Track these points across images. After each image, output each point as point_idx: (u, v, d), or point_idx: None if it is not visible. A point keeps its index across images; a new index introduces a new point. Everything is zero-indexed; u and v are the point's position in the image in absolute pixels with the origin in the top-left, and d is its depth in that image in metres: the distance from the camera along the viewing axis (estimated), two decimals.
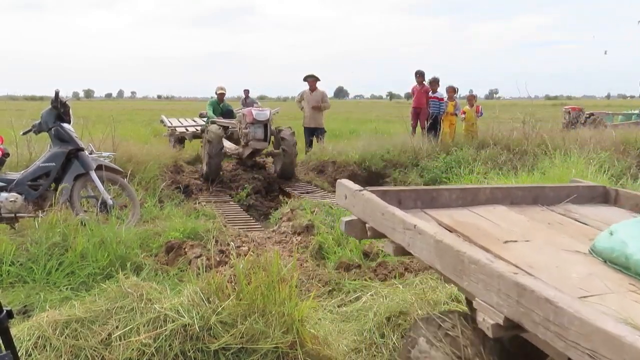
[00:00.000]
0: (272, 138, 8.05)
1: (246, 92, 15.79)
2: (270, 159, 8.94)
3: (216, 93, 9.87)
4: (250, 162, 8.46)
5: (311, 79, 9.92)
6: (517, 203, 2.36)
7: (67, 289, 3.48)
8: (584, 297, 1.38)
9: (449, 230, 1.85)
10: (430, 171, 7.56)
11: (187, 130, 10.62)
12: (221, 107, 9.79)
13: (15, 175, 4.88)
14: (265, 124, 7.67)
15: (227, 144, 8.57)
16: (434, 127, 9.86)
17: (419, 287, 3.24)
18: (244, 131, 7.61)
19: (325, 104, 9.95)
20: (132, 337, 2.23)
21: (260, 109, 8.07)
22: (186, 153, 10.31)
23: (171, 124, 11.14)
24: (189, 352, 2.22)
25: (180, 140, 10.71)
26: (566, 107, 15.95)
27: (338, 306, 3.30)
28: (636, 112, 15.40)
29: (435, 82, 9.96)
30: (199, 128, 10.37)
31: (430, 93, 9.94)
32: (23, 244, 3.88)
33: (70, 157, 4.98)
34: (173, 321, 2.28)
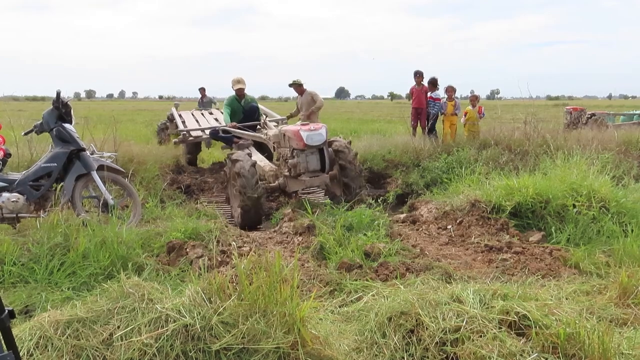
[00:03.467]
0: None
1: (202, 90, 14.38)
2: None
3: (233, 88, 8.03)
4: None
5: (294, 86, 9.84)
6: None
7: (68, 289, 3.48)
8: None
9: None
10: (432, 171, 7.55)
11: (203, 133, 8.50)
12: (242, 104, 7.99)
13: (16, 176, 4.89)
14: (321, 149, 5.62)
15: (263, 165, 6.36)
16: (432, 127, 9.91)
17: (420, 287, 3.24)
18: (291, 161, 5.52)
19: (317, 103, 9.49)
20: (134, 337, 2.23)
21: (312, 127, 5.62)
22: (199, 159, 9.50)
23: (184, 123, 8.98)
24: (191, 352, 2.22)
25: (196, 146, 8.87)
26: (568, 107, 15.96)
27: (339, 306, 3.30)
28: (638, 112, 15.38)
29: (432, 83, 9.96)
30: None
31: (428, 93, 9.95)
32: (25, 244, 3.89)
33: (72, 157, 4.99)
34: (174, 321, 2.28)
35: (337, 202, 5.75)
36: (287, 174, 5.78)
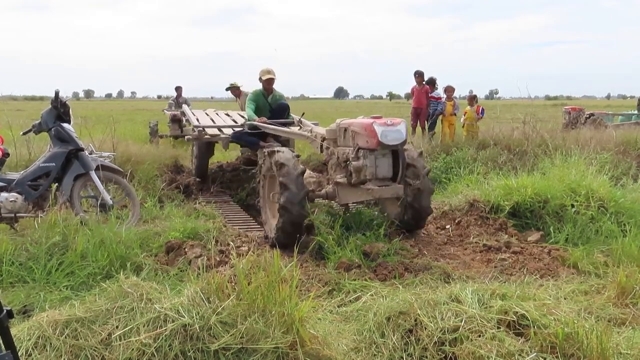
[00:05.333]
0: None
1: (179, 89, 13.38)
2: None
3: (261, 79, 6.68)
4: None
5: (232, 89, 9.70)
6: None
7: (67, 288, 3.48)
8: None
9: None
10: (431, 171, 7.55)
11: (222, 133, 7.24)
12: (270, 101, 6.72)
13: (15, 175, 4.88)
14: (396, 151, 4.30)
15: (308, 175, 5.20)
16: (432, 127, 9.95)
17: (419, 287, 3.24)
18: (355, 163, 4.20)
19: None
20: (132, 337, 2.22)
21: (389, 121, 4.22)
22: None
23: (197, 119, 7.80)
24: (189, 352, 2.22)
25: (208, 149, 7.58)
26: (566, 107, 15.96)
27: (338, 306, 3.30)
28: (636, 112, 15.39)
29: (431, 83, 10.02)
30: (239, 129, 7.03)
31: (428, 93, 10.00)
32: (23, 244, 3.88)
33: (70, 157, 4.98)
34: (173, 321, 2.28)
35: (390, 223, 4.60)
36: (340, 180, 4.44)
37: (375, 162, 4.24)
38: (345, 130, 4.53)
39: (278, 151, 4.46)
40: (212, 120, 8.08)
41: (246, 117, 6.58)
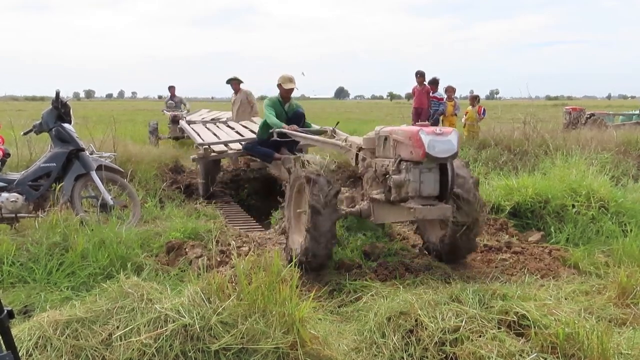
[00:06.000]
0: None
1: (172, 89, 13.28)
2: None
3: (281, 86, 6.29)
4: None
5: (234, 82, 9.65)
6: None
7: (67, 289, 3.48)
8: None
9: None
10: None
11: (229, 148, 6.89)
12: (286, 109, 6.34)
13: (16, 176, 4.88)
14: (444, 164, 3.59)
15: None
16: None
17: (419, 287, 3.24)
18: (396, 177, 3.56)
19: (253, 109, 9.34)
20: (133, 337, 2.23)
21: (438, 130, 3.54)
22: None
23: (201, 137, 7.27)
24: (190, 352, 2.22)
25: (215, 166, 7.05)
26: (567, 107, 15.91)
27: (338, 306, 3.30)
28: (637, 112, 15.38)
29: (434, 83, 10.04)
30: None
31: (430, 93, 10.02)
32: (24, 244, 3.88)
33: (71, 157, 4.98)
34: (174, 321, 2.28)
35: (429, 251, 4.13)
36: (377, 196, 3.85)
37: (420, 177, 3.54)
38: (386, 139, 3.85)
39: (310, 162, 3.91)
40: (215, 135, 7.68)
41: (269, 123, 6.09)
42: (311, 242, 3.65)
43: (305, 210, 3.81)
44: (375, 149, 4.05)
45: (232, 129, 8.11)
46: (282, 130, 5.82)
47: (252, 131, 7.57)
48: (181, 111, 12.25)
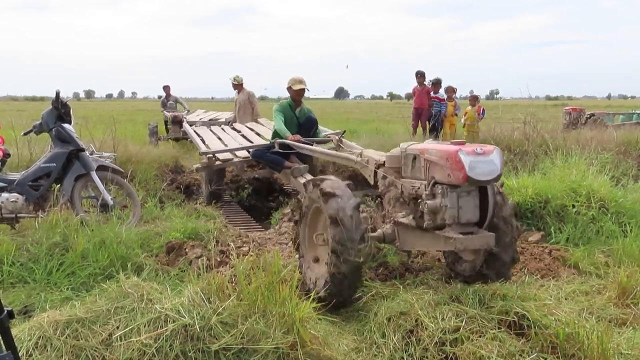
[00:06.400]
0: None
1: (167, 89, 13.07)
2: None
3: (290, 89, 5.90)
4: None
5: (237, 85, 9.62)
6: None
7: (67, 289, 3.48)
8: None
9: None
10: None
11: (234, 156, 6.45)
12: (297, 114, 5.90)
13: (16, 176, 4.89)
14: (486, 187, 3.19)
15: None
16: (434, 127, 9.95)
17: (419, 287, 3.24)
18: (431, 203, 3.12)
19: (255, 110, 9.27)
20: (133, 338, 2.23)
21: (478, 149, 3.03)
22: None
23: (205, 143, 6.90)
24: (190, 352, 2.22)
25: (220, 173, 6.68)
26: (567, 107, 15.87)
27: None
28: (637, 112, 15.37)
29: (437, 84, 10.08)
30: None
31: (432, 93, 10.03)
32: (24, 244, 3.88)
33: (71, 157, 4.98)
34: (174, 321, 2.28)
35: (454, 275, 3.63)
36: (404, 221, 3.39)
37: (458, 202, 3.08)
38: (415, 158, 3.38)
39: (325, 179, 3.41)
40: (219, 139, 7.25)
41: (275, 129, 5.76)
42: (336, 261, 3.08)
43: (322, 235, 3.33)
44: (400, 168, 3.59)
45: (238, 132, 7.82)
46: (285, 141, 5.44)
47: (258, 134, 7.40)
48: (181, 112, 12.19)
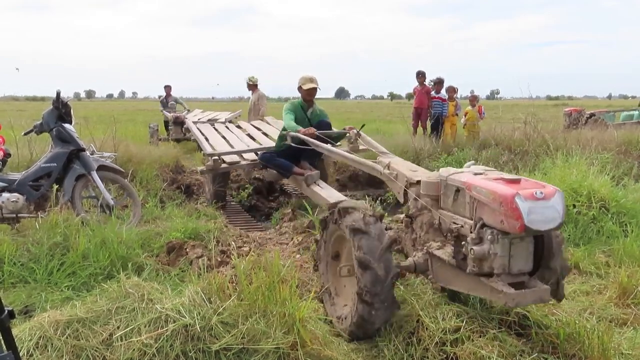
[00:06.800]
0: None
1: (168, 89, 13.09)
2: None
3: (301, 89, 5.61)
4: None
5: (251, 86, 9.76)
6: None
7: (68, 289, 3.48)
8: None
9: None
10: (431, 171, 7.55)
11: (242, 158, 6.12)
12: (309, 116, 5.60)
13: (16, 176, 4.89)
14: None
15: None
16: (436, 127, 9.94)
17: (419, 287, 3.24)
18: (478, 249, 2.55)
19: (261, 110, 9.40)
20: (134, 338, 2.23)
21: (536, 193, 2.48)
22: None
23: (211, 145, 6.53)
24: (190, 352, 2.22)
25: (224, 178, 6.36)
26: (566, 109, 15.74)
27: None
28: (637, 111, 15.29)
29: (439, 83, 10.07)
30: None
31: (433, 93, 10.02)
32: (24, 244, 3.88)
33: (72, 157, 4.99)
34: (174, 321, 2.28)
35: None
36: (440, 254, 2.87)
37: (510, 250, 2.59)
38: (458, 191, 2.84)
39: (353, 209, 2.97)
40: (224, 138, 6.91)
41: (285, 126, 5.32)
42: (364, 310, 2.74)
43: (347, 266, 2.96)
44: (439, 197, 3.04)
45: (244, 131, 7.63)
46: (298, 135, 4.95)
47: (265, 134, 7.22)
48: (181, 112, 12.15)
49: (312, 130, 5.01)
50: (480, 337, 2.55)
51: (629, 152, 7.94)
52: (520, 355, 2.45)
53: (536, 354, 2.45)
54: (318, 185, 5.10)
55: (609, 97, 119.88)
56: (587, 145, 7.24)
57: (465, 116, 10.39)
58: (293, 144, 5.10)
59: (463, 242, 2.65)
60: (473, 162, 3.20)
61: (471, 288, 2.77)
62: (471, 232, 2.64)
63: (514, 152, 7.89)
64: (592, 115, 14.03)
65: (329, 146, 4.67)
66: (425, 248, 3.02)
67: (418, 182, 3.23)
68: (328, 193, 4.94)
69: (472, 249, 2.56)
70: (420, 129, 10.22)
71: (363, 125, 5.17)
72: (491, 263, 2.55)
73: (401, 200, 3.55)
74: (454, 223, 2.83)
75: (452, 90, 10.33)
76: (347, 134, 5.12)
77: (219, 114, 11.07)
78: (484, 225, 2.60)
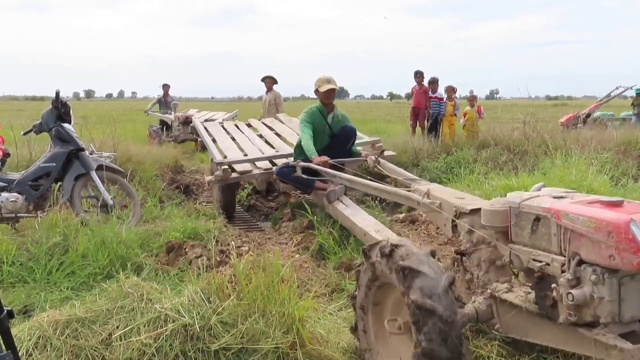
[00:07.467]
0: None
1: (166, 87, 12.87)
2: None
3: (318, 91, 5.06)
4: None
5: (268, 80, 9.73)
6: None
7: (67, 289, 3.48)
8: None
9: None
10: (431, 171, 7.55)
11: (255, 167, 5.43)
12: (330, 122, 5.06)
13: (15, 176, 4.89)
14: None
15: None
16: (434, 127, 9.93)
17: None
18: (578, 293, 1.99)
19: (279, 108, 9.37)
20: (133, 337, 2.23)
21: None
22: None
23: (220, 150, 5.91)
24: (190, 352, 2.22)
25: (232, 189, 5.81)
26: (561, 120, 14.00)
27: (338, 310, 3.30)
28: (630, 113, 15.25)
29: (434, 83, 10.05)
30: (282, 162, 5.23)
31: (430, 93, 10.01)
32: (23, 244, 3.88)
33: (71, 157, 4.98)
34: (173, 321, 2.28)
35: None
36: (510, 297, 2.38)
37: (620, 292, 2.04)
38: (538, 220, 2.26)
39: (400, 245, 2.27)
40: (234, 139, 6.32)
41: (302, 145, 4.79)
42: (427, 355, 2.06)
43: (396, 322, 2.32)
44: (508, 229, 2.42)
45: (255, 130, 7.14)
46: (311, 165, 4.48)
47: (278, 135, 6.77)
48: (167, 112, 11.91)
49: (325, 158, 4.54)
50: (480, 337, 2.55)
51: (628, 152, 7.95)
52: (520, 355, 2.46)
53: (536, 354, 2.45)
54: (342, 202, 4.41)
55: (608, 97, 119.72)
56: (586, 145, 7.25)
57: (464, 116, 10.39)
58: (303, 175, 4.55)
59: (553, 285, 2.12)
60: (542, 183, 2.60)
61: (563, 341, 2.25)
62: (563, 272, 2.11)
63: (513, 152, 7.90)
64: (588, 115, 13.91)
65: (349, 176, 4.17)
66: (488, 291, 2.49)
67: (472, 211, 2.73)
68: (360, 219, 3.99)
69: (569, 293, 2.04)
70: (418, 129, 10.22)
71: (383, 152, 4.65)
72: (595, 310, 2.03)
73: (448, 234, 3.07)
74: (535, 260, 2.25)
75: (451, 90, 10.33)
76: (365, 162, 4.66)
77: (215, 113, 10.93)
78: (581, 262, 2.08)
